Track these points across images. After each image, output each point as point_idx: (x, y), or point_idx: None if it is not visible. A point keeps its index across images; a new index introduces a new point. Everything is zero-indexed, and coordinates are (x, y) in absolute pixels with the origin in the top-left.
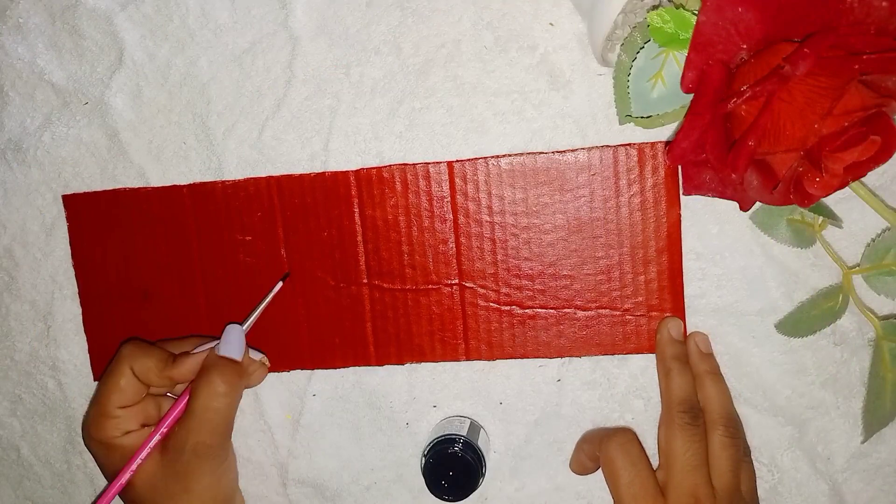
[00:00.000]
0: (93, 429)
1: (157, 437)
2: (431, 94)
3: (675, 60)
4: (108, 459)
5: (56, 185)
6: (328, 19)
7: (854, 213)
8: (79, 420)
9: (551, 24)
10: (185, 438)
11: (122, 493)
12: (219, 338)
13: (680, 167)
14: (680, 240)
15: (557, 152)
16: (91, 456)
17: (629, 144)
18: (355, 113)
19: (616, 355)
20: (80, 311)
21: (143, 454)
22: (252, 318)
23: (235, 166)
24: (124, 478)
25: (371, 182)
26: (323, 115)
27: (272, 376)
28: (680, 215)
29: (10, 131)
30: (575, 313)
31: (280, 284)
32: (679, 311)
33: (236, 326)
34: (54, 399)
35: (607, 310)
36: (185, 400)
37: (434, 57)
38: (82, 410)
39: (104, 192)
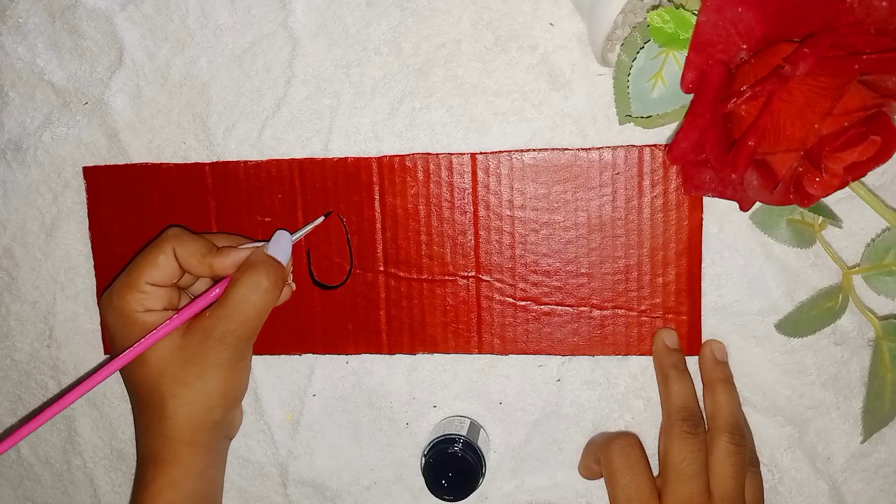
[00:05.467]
0: (117, 297)
1: (190, 313)
2: (431, 94)
3: (675, 60)
4: (124, 331)
5: (56, 185)
6: (328, 19)
7: (854, 213)
8: (79, 420)
9: (551, 24)
10: (214, 324)
11: (129, 369)
12: (263, 241)
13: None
14: (700, 243)
15: (582, 149)
16: (107, 326)
17: (654, 145)
18: (355, 113)
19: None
20: (81, 311)
21: (175, 325)
22: (300, 234)
23: None
24: (148, 342)
25: (393, 170)
26: (323, 115)
27: (272, 376)
28: (702, 218)
29: (10, 131)
30: (591, 312)
31: (322, 218)
32: (696, 314)
33: (285, 233)
34: (54, 399)
35: (623, 310)
36: (220, 287)
37: (434, 57)
38: (82, 411)
39: (125, 165)
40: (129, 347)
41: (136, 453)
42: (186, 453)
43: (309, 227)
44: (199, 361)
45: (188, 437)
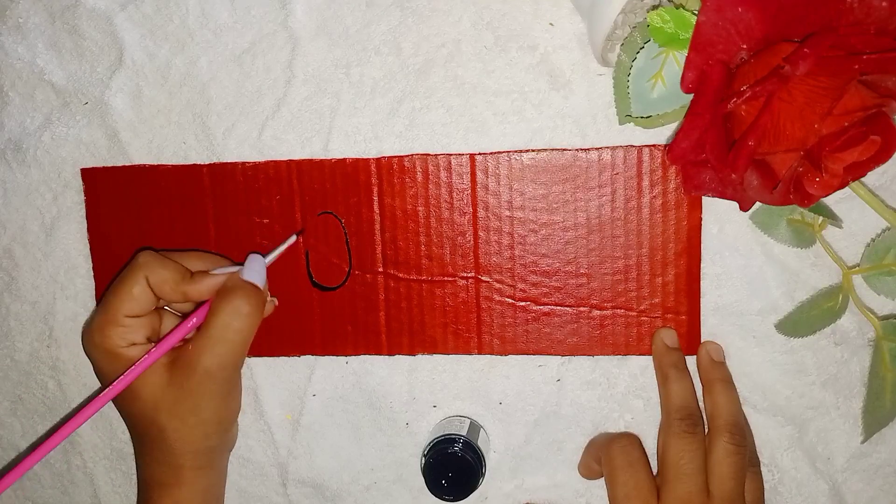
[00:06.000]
0: (97, 335)
1: (168, 346)
2: (431, 94)
3: (675, 60)
4: (112, 367)
5: (56, 185)
6: (328, 19)
7: (854, 213)
8: None
9: (551, 24)
10: (199, 356)
11: (123, 404)
12: (235, 263)
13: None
14: (699, 243)
15: (581, 150)
16: (93, 363)
17: (654, 145)
18: (355, 113)
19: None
20: (81, 311)
21: (152, 360)
22: (272, 256)
23: None
24: (127, 381)
25: (392, 171)
26: (323, 115)
27: (272, 376)
28: (701, 218)
29: (10, 131)
30: (590, 312)
31: (294, 237)
32: (695, 314)
33: (259, 256)
34: (54, 399)
35: (623, 310)
36: (197, 316)
37: (434, 57)
38: None
39: (123, 167)
40: (113, 379)
41: (136, 475)
42: (190, 476)
43: (281, 249)
44: (191, 397)
45: (190, 463)
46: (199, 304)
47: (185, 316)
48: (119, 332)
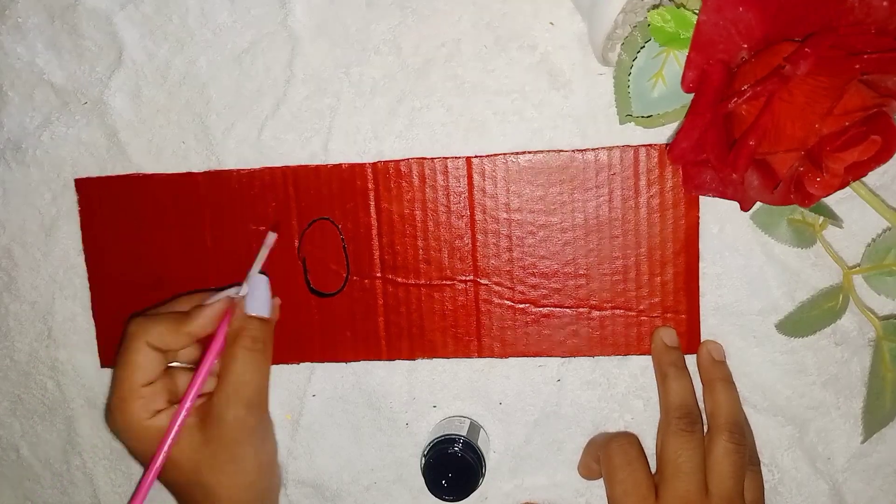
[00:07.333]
0: (119, 415)
1: (183, 414)
2: (431, 94)
3: (676, 60)
4: (141, 445)
5: (55, 185)
6: (328, 19)
7: (854, 213)
8: (79, 420)
9: (551, 24)
10: (227, 408)
11: (165, 476)
12: (230, 286)
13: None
14: (697, 242)
15: (578, 151)
16: (124, 442)
17: (650, 145)
18: (355, 113)
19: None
20: (79, 311)
21: (175, 430)
22: (259, 262)
23: (235, 166)
24: (159, 461)
25: (388, 175)
26: (323, 115)
27: (272, 376)
28: (698, 217)
29: (9, 131)
30: (590, 313)
31: (273, 235)
32: (694, 312)
33: (262, 277)
34: (54, 399)
35: (622, 310)
36: (206, 366)
37: (434, 57)
38: (82, 411)
39: (117, 176)
40: (150, 456)
41: None
42: None
43: (264, 252)
44: (228, 447)
45: None
46: (204, 349)
47: (194, 369)
48: (140, 405)
